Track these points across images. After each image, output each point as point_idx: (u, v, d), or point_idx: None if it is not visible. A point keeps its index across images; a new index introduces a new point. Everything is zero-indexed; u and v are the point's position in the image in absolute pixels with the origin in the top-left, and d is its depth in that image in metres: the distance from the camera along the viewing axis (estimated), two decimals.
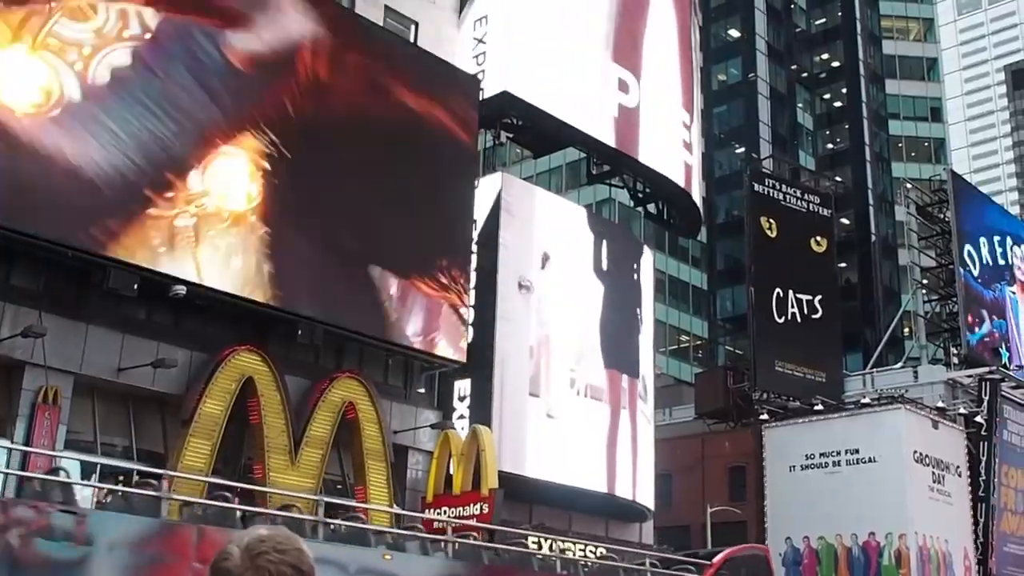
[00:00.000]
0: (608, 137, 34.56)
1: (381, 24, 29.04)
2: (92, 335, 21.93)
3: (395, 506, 26.12)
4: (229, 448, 23.28)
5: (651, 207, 40.29)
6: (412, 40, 30.21)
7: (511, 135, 34.99)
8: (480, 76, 31.03)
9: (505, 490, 26.43)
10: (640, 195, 39.35)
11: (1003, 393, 45.70)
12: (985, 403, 44.82)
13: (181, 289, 22.30)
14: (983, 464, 43.66)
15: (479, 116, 30.14)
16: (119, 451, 22.74)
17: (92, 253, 21.18)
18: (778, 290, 46.47)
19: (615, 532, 34.43)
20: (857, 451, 41.33)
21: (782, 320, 46.27)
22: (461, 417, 29.46)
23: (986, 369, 46.50)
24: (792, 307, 46.72)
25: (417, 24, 31.11)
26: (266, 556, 2.64)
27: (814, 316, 47.28)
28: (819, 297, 47.60)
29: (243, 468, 24.03)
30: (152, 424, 23.31)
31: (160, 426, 23.36)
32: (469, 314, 28.83)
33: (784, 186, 49.30)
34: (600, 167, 37.83)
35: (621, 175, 38.24)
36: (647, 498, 35.01)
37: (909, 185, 56.02)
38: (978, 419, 44.21)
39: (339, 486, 26.25)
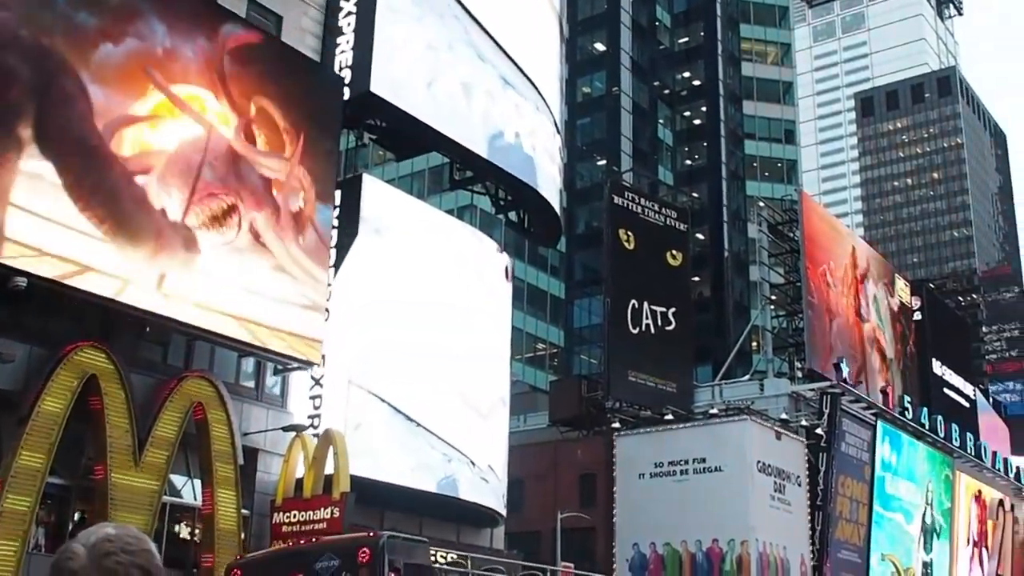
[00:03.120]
0: (472, 143, 34.63)
1: (243, 16, 28.47)
2: None
3: (243, 509, 25.66)
4: (69, 448, 22.46)
5: (512, 215, 40.55)
6: (276, 35, 29.71)
7: (374, 137, 34.77)
8: (344, 75, 30.73)
9: (356, 494, 26.19)
10: (502, 202, 39.56)
11: (843, 407, 47.44)
12: (825, 416, 46.47)
13: (22, 281, 21.41)
14: (822, 474, 45.24)
15: (342, 116, 29.84)
16: None
17: None
18: (633, 301, 47.33)
19: (466, 537, 34.50)
20: (704, 460, 42.34)
21: (636, 331, 47.13)
22: (313, 417, 29.03)
23: (828, 383, 48.20)
24: (647, 319, 47.64)
25: (281, 19, 30.64)
26: (114, 557, 2.52)
27: (667, 328, 48.30)
28: (673, 309, 48.65)
29: (84, 469, 23.25)
30: None
31: None
32: (325, 315, 28.46)
33: (643, 200, 50.26)
34: (463, 173, 37.92)
35: (483, 182, 38.38)
36: (499, 503, 35.14)
37: (762, 204, 57.77)
38: (818, 431, 45.79)
39: (185, 488, 25.62)
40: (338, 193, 29.92)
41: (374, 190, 32.28)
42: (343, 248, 29.92)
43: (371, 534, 19.05)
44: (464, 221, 41.30)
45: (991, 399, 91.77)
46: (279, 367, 28.29)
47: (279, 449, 27.65)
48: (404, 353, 31.54)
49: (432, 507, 32.42)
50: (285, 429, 27.54)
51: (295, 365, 27.91)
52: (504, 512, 35.78)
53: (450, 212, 44.58)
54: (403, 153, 38.90)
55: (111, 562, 2.50)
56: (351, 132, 32.36)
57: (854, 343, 56.53)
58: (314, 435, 27.59)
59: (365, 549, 17.86)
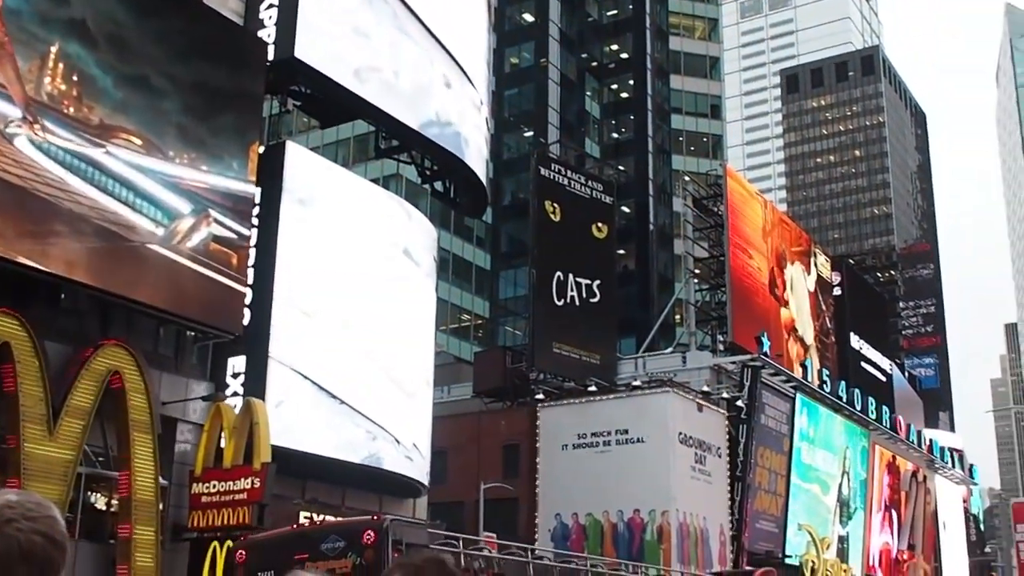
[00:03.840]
0: (398, 111, 34.28)
1: None
2: None
3: (161, 479, 25.32)
4: None
5: (438, 185, 40.30)
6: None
7: (298, 103, 34.28)
8: (268, 40, 30.20)
9: (277, 465, 25.96)
10: (428, 172, 39.29)
11: (763, 380, 48.20)
12: (746, 388, 47.19)
13: None
14: (741, 446, 45.99)
15: (265, 81, 29.36)
16: None
17: None
18: (559, 273, 47.51)
19: (388, 508, 34.37)
20: (626, 431, 42.76)
21: (561, 303, 47.35)
22: (235, 394, 28.68)
23: (749, 356, 48.92)
24: (572, 290, 47.88)
25: None
26: (14, 524, 2.41)
27: (592, 300, 48.59)
28: (598, 282, 48.93)
29: None
30: None
31: None
32: (247, 289, 28.06)
33: (569, 172, 50.38)
34: (388, 142, 37.55)
35: (409, 151, 38.07)
36: (422, 474, 35.11)
37: (687, 178, 58.32)
38: (739, 403, 46.51)
39: (101, 458, 25.19)
40: (260, 161, 29.42)
41: (298, 158, 31.82)
42: (265, 217, 29.47)
43: (375, 517, 20.30)
44: (390, 191, 40.92)
45: (907, 373, 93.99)
46: (199, 336, 27.89)
47: (198, 419, 27.30)
48: (329, 328, 31.20)
49: (355, 478, 32.26)
50: (204, 399, 27.21)
51: (215, 334, 27.53)
52: (427, 483, 35.75)
53: (375, 181, 44.20)
54: (328, 121, 38.44)
55: (11, 529, 2.41)
56: (274, 98, 31.85)
57: (773, 320, 57.36)
58: (236, 405, 27.27)
59: (370, 531, 19.03)
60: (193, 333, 27.77)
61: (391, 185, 51.19)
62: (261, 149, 29.57)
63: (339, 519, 24.45)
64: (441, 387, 46.01)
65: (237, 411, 26.78)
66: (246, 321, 28.02)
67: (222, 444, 26.59)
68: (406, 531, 19.74)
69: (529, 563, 25.95)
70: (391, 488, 34.30)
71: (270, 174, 29.72)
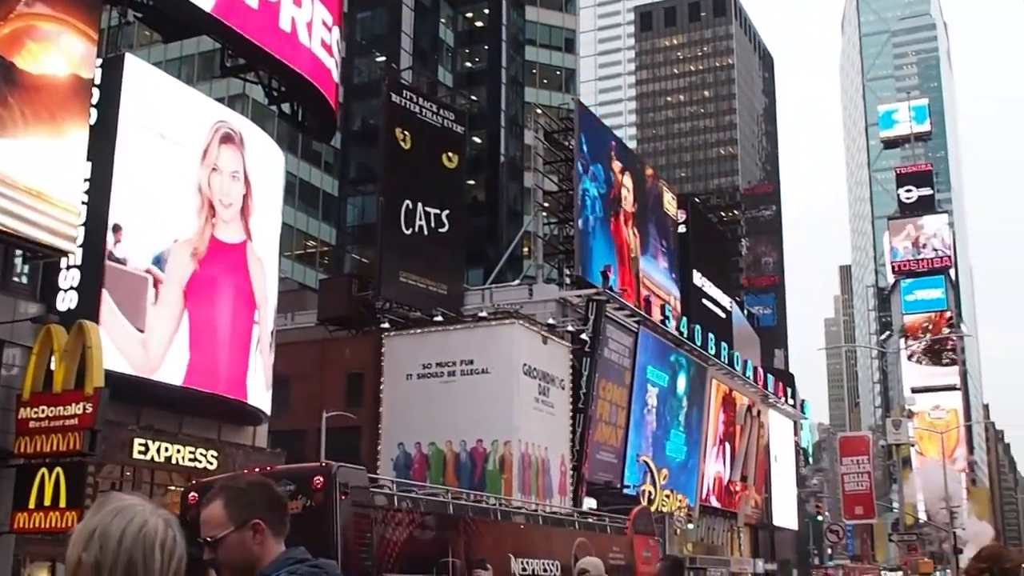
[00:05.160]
0: (244, 28, 33.05)
1: None
2: None
3: None
4: None
5: (285, 107, 39.20)
6: None
7: (139, 15, 32.73)
8: None
9: (111, 390, 25.11)
10: (275, 93, 38.14)
11: (607, 314, 48.95)
12: (591, 322, 47.85)
13: None
14: (584, 378, 46.72)
15: None
16: None
17: None
18: (408, 202, 47.05)
19: (228, 435, 33.81)
20: (472, 362, 42.92)
21: (409, 232, 46.97)
22: (67, 312, 27.55)
23: (594, 291, 49.56)
24: (420, 220, 47.52)
25: None
26: None
27: (441, 230, 48.35)
28: (447, 212, 48.68)
29: None
30: None
31: None
32: (80, 204, 26.84)
33: (421, 99, 49.74)
34: (235, 60, 36.24)
35: (256, 71, 36.85)
36: (263, 401, 34.55)
37: (539, 111, 58.28)
38: (583, 336, 47.13)
39: None
40: (98, 74, 28.04)
41: (138, 73, 30.44)
42: (102, 132, 28.13)
43: (324, 463, 21.79)
44: (235, 111, 39.61)
45: (746, 311, 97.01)
46: (28, 255, 26.61)
47: (27, 341, 26.17)
48: (170, 256, 30.14)
49: (192, 404, 31.52)
50: (34, 320, 26.07)
51: (46, 253, 26.30)
52: (268, 411, 35.21)
53: (220, 101, 42.80)
54: (171, 35, 36.75)
55: None
56: (113, 8, 30.31)
57: (622, 253, 58.20)
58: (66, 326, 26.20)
59: (319, 476, 20.00)
60: (23, 252, 26.47)
61: (237, 105, 49.63)
62: (99, 62, 28.15)
63: (290, 466, 25.96)
64: (285, 314, 45.27)
65: (68, 333, 25.77)
66: (80, 240, 26.84)
67: (52, 367, 25.59)
68: (351, 476, 20.97)
69: (449, 503, 26.30)
70: (230, 416, 33.71)
71: (108, 89, 28.38)
